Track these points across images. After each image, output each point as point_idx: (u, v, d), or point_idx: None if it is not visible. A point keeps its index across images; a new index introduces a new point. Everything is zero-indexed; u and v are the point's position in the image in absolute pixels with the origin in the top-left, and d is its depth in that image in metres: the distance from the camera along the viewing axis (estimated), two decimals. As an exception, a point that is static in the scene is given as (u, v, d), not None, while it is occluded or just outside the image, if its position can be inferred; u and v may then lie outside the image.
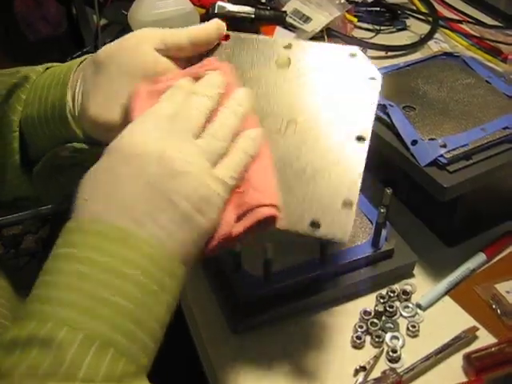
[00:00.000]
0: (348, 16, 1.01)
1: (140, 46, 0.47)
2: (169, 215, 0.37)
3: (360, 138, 0.47)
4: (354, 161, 0.46)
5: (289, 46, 0.52)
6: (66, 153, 0.50)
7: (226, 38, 0.52)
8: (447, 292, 0.60)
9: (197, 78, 0.45)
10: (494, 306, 0.58)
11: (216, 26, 0.51)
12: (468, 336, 0.55)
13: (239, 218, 0.41)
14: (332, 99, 0.49)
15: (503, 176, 0.63)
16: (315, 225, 0.44)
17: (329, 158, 0.46)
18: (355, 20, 1.03)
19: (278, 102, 0.49)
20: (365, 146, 0.47)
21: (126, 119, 0.44)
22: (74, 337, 0.33)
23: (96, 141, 0.50)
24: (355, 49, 0.52)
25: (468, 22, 1.04)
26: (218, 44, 0.52)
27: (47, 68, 0.54)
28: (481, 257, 0.63)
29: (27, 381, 0.31)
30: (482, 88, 0.68)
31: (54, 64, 0.54)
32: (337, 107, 0.49)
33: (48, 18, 1.78)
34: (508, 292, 0.59)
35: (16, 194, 0.55)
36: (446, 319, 0.58)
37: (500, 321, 0.57)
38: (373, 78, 0.50)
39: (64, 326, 0.33)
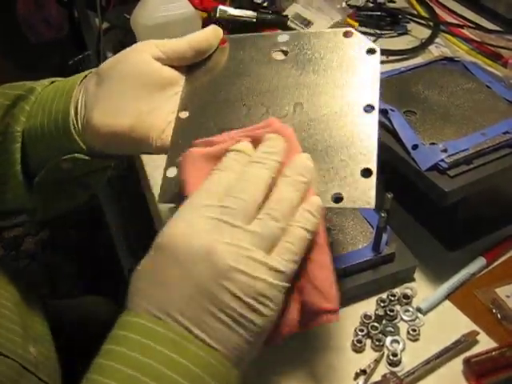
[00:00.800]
0: (349, 20, 1.01)
1: (141, 56, 0.48)
2: (219, 318, 0.35)
3: (368, 108, 0.47)
4: (366, 130, 0.46)
5: (283, 38, 0.53)
6: (68, 165, 0.50)
7: (223, 42, 0.53)
8: (447, 296, 0.60)
9: (255, 140, 0.43)
10: (494, 311, 0.58)
11: (214, 31, 0.51)
12: (468, 340, 0.55)
13: (300, 314, 0.40)
14: (334, 78, 0.49)
15: (504, 180, 0.64)
16: (338, 199, 0.43)
17: (340, 132, 0.46)
18: (356, 24, 1.03)
19: (282, 93, 0.50)
20: (375, 115, 0.47)
21: (180, 188, 0.42)
22: None
23: (98, 153, 0.50)
24: (348, 28, 0.52)
25: (469, 26, 1.04)
26: (217, 49, 0.53)
27: (52, 81, 0.54)
28: (481, 261, 0.63)
29: None
30: (483, 93, 0.68)
31: (59, 79, 0.55)
32: (340, 83, 0.49)
33: (50, 21, 1.78)
34: (508, 296, 0.59)
35: (14, 205, 0.56)
36: (446, 323, 0.58)
37: (500, 325, 0.57)
38: (371, 51, 0.50)
39: None
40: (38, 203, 0.55)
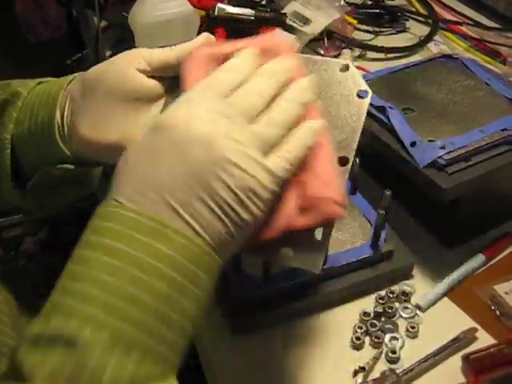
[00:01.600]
0: (348, 18, 1.01)
1: (126, 68, 0.47)
2: (208, 205, 0.35)
3: (343, 160, 0.46)
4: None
5: None
6: (58, 171, 0.50)
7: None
8: (446, 293, 0.60)
9: (265, 51, 0.42)
10: (492, 308, 0.59)
11: (205, 40, 0.48)
12: (467, 337, 0.55)
13: (303, 210, 0.39)
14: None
15: (502, 177, 0.64)
16: None
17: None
18: (355, 22, 1.03)
19: None
20: (347, 168, 0.46)
21: (180, 85, 0.41)
22: (98, 337, 0.32)
23: (87, 161, 0.50)
24: (346, 62, 0.50)
25: (467, 24, 1.04)
26: None
27: (39, 82, 0.54)
28: (480, 258, 0.63)
29: None
30: (481, 90, 0.68)
31: (45, 79, 0.54)
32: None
33: (48, 21, 1.78)
34: (507, 293, 0.59)
35: (8, 207, 0.56)
36: (445, 320, 0.58)
37: (499, 322, 0.57)
38: (363, 92, 0.48)
39: (88, 324, 0.32)
40: (33, 204, 0.55)
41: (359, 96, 0.48)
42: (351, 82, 0.49)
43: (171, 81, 0.49)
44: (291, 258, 0.42)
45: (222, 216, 0.35)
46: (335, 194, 0.39)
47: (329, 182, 0.39)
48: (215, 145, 0.35)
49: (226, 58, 0.41)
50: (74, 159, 0.50)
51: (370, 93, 0.48)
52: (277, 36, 0.43)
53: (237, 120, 0.37)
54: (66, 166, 0.50)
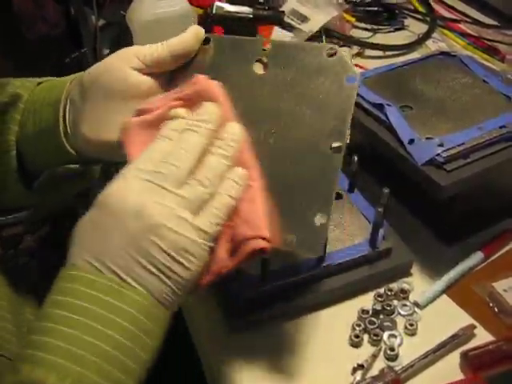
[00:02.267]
0: (346, 16, 1.01)
1: (122, 68, 0.48)
2: (147, 269, 0.39)
3: (336, 149, 0.47)
4: (328, 176, 0.47)
5: (267, 48, 0.51)
6: (64, 170, 0.52)
7: (207, 41, 0.51)
8: (445, 290, 0.60)
9: (189, 101, 0.45)
10: (491, 305, 0.59)
11: (194, 33, 0.50)
12: (466, 334, 0.55)
13: (232, 252, 0.42)
14: (310, 106, 0.49)
15: (500, 175, 0.64)
16: (289, 243, 0.46)
17: (303, 173, 0.47)
18: (353, 20, 1.03)
19: (257, 115, 0.49)
20: (339, 158, 0.47)
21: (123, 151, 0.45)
22: (62, 383, 0.35)
23: (92, 159, 0.52)
24: (332, 45, 0.50)
25: (466, 21, 1.04)
26: (200, 49, 0.51)
27: (38, 83, 0.54)
28: (478, 255, 0.63)
29: None
30: (479, 87, 0.68)
31: (44, 79, 0.55)
32: (315, 116, 0.48)
33: (47, 18, 1.78)
34: (505, 290, 0.59)
35: (15, 205, 0.57)
36: (443, 317, 0.58)
37: (497, 319, 0.58)
38: (351, 77, 0.49)
39: (54, 371, 0.35)
40: (39, 201, 0.56)
41: (348, 80, 0.49)
42: (339, 67, 0.49)
43: (166, 75, 0.50)
44: (292, 244, 0.45)
45: (162, 277, 0.39)
46: (255, 231, 0.42)
47: (253, 221, 0.42)
48: (147, 212, 0.39)
49: (158, 119, 0.45)
50: (78, 158, 0.52)
51: (359, 76, 0.49)
52: (201, 82, 0.45)
53: (168, 186, 0.40)
54: (72, 166, 0.53)
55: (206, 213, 0.41)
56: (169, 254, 0.39)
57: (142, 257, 0.38)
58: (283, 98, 0.50)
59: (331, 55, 0.50)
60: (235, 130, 0.44)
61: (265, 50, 0.51)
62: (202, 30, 0.51)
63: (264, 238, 0.42)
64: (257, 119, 0.49)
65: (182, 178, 0.41)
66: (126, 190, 0.40)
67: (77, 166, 0.53)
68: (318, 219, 0.46)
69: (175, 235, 0.39)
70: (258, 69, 0.51)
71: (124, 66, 0.48)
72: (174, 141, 0.42)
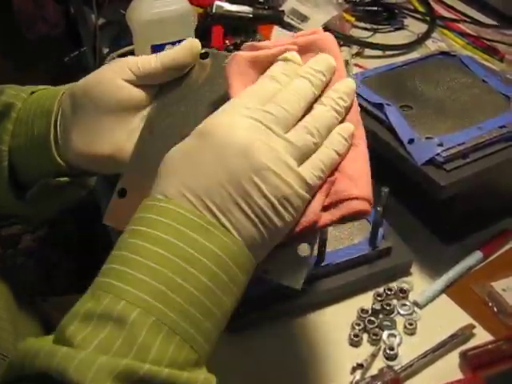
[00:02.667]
0: (346, 15, 1.01)
1: (113, 80, 0.47)
2: (244, 211, 0.37)
3: None
4: None
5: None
6: (56, 183, 0.51)
7: (205, 55, 0.48)
8: (444, 290, 0.60)
9: (302, 48, 0.43)
10: (490, 304, 0.59)
11: (190, 46, 0.48)
12: (465, 333, 0.55)
13: (328, 207, 0.40)
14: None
15: (500, 174, 0.64)
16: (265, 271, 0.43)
17: None
18: (353, 19, 1.03)
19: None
20: None
21: (228, 90, 0.43)
22: (145, 320, 0.33)
23: (83, 171, 0.51)
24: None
25: (465, 21, 1.04)
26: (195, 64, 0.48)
27: (31, 92, 0.54)
28: (477, 255, 0.63)
29: (100, 356, 0.32)
30: (479, 87, 0.68)
31: (37, 87, 0.54)
32: None
33: (47, 18, 1.78)
34: (504, 290, 0.60)
35: (8, 214, 0.56)
36: (442, 317, 0.58)
37: (496, 318, 0.58)
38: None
39: (137, 307, 0.34)
40: (33, 212, 0.55)
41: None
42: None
43: (158, 87, 0.48)
44: (273, 272, 0.43)
45: (257, 222, 0.37)
46: (362, 191, 0.41)
47: (360, 181, 0.41)
48: (254, 151, 0.37)
49: (268, 60, 0.43)
50: (70, 171, 0.50)
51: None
52: (320, 33, 0.45)
53: (275, 129, 0.38)
54: (63, 179, 0.51)
55: (310, 163, 0.39)
56: (269, 200, 0.37)
57: (240, 197, 0.36)
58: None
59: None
60: (350, 86, 0.43)
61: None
62: (198, 44, 0.48)
63: (368, 202, 0.41)
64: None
65: (290, 123, 0.39)
66: (232, 125, 0.38)
67: (68, 179, 0.51)
68: (302, 250, 0.42)
69: (279, 181, 0.37)
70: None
71: (116, 77, 0.47)
72: (283, 85, 0.41)
